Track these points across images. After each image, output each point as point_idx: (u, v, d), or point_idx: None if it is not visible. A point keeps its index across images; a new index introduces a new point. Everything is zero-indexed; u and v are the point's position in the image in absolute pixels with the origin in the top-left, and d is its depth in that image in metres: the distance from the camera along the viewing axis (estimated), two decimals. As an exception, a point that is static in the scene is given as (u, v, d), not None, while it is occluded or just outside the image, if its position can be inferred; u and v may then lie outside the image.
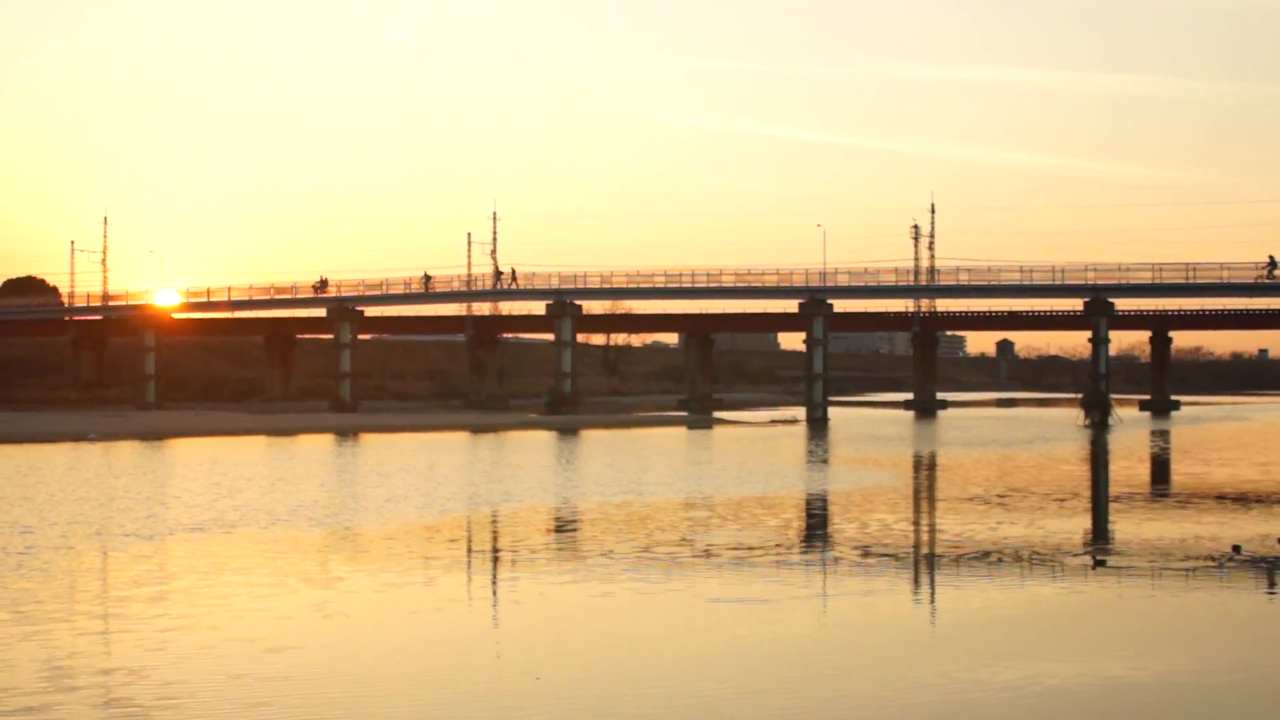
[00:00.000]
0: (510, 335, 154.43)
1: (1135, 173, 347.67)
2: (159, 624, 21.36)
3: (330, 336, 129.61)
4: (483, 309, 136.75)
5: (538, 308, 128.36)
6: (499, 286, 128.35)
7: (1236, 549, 30.28)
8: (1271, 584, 26.14)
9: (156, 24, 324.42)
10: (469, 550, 31.30)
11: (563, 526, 35.66)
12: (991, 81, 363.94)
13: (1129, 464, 61.99)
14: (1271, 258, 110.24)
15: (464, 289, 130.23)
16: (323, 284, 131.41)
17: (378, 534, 33.11)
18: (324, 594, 24.37)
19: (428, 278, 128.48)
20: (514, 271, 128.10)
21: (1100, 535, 34.49)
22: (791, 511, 39.68)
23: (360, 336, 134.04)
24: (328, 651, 19.60)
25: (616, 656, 19.70)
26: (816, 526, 35.95)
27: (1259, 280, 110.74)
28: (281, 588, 24.98)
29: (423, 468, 55.20)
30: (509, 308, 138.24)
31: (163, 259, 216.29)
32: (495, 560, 29.26)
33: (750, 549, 30.43)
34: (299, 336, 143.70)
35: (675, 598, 24.27)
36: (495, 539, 33.05)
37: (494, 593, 25.36)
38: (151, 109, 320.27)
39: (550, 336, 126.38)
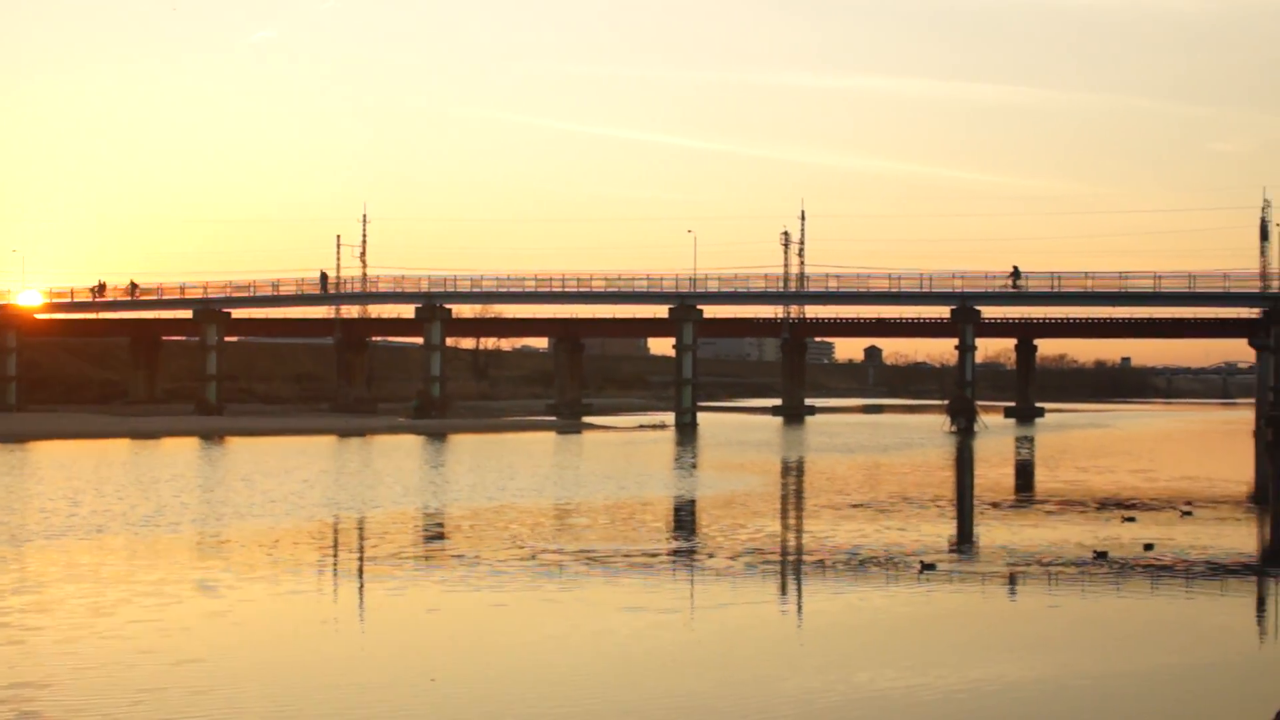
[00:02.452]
0: (379, 338, 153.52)
1: (1003, 182, 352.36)
2: (50, 635, 20.92)
3: (196, 338, 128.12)
4: (351, 312, 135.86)
5: (407, 311, 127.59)
6: (96, 299, 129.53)
7: (1101, 555, 30.78)
8: (1134, 589, 26.49)
9: (17, 22, 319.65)
10: (350, 558, 31.09)
11: (439, 533, 35.41)
12: (862, 89, 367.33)
13: (995, 470, 62.67)
14: (1015, 268, 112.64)
15: (332, 291, 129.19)
16: (100, 288, 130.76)
17: (251, 540, 32.69)
18: (217, 603, 24.07)
19: (325, 277, 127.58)
20: (103, 285, 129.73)
21: (968, 541, 34.85)
22: (663, 517, 39.73)
23: (227, 339, 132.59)
24: (237, 663, 19.35)
25: (504, 658, 19.68)
26: (689, 532, 35.95)
27: (1008, 288, 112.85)
28: (169, 596, 24.60)
29: (290, 472, 54.68)
30: (378, 311, 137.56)
31: (25, 259, 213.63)
32: (380, 568, 28.92)
33: (627, 555, 30.50)
34: (164, 338, 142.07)
35: (560, 604, 24.33)
36: (375, 546, 32.74)
37: (379, 600, 25.19)
38: (13, 108, 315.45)
39: (419, 340, 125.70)
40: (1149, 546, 32.28)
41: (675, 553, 31.31)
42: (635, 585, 26.47)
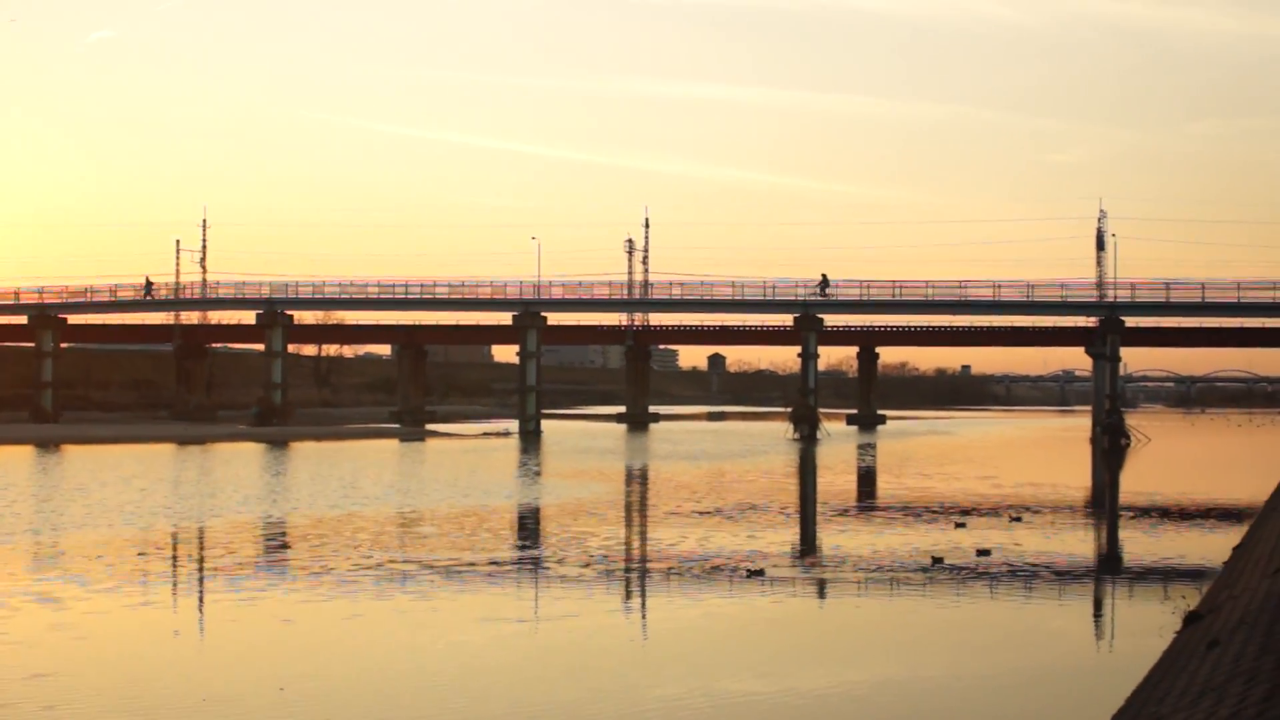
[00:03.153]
0: (219, 345, 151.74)
1: (844, 190, 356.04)
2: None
3: (31, 345, 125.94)
4: (191, 318, 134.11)
5: (248, 317, 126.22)
6: None
7: (937, 560, 31.30)
8: (968, 593, 26.88)
9: None
10: (195, 568, 30.66)
11: (284, 542, 35.02)
12: (705, 97, 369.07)
13: (840, 477, 63.22)
14: (824, 276, 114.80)
15: (172, 296, 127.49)
16: None
17: (91, 550, 32.09)
18: (61, 615, 23.67)
19: (149, 284, 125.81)
20: None
21: (809, 548, 35.17)
22: (511, 525, 39.71)
23: (63, 345, 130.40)
24: (87, 676, 19.09)
25: (356, 669, 19.54)
26: (539, 541, 35.87)
27: (816, 295, 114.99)
28: (9, 609, 24.15)
29: (128, 480, 53.80)
30: (218, 317, 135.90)
31: None
32: (226, 578, 28.53)
33: (474, 564, 30.43)
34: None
35: (412, 614, 24.19)
36: (220, 556, 32.25)
37: (226, 611, 24.90)
38: None
39: (261, 346, 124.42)
40: (984, 552, 32.84)
41: (526, 561, 31.27)
42: (487, 595, 26.46)
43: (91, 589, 26.44)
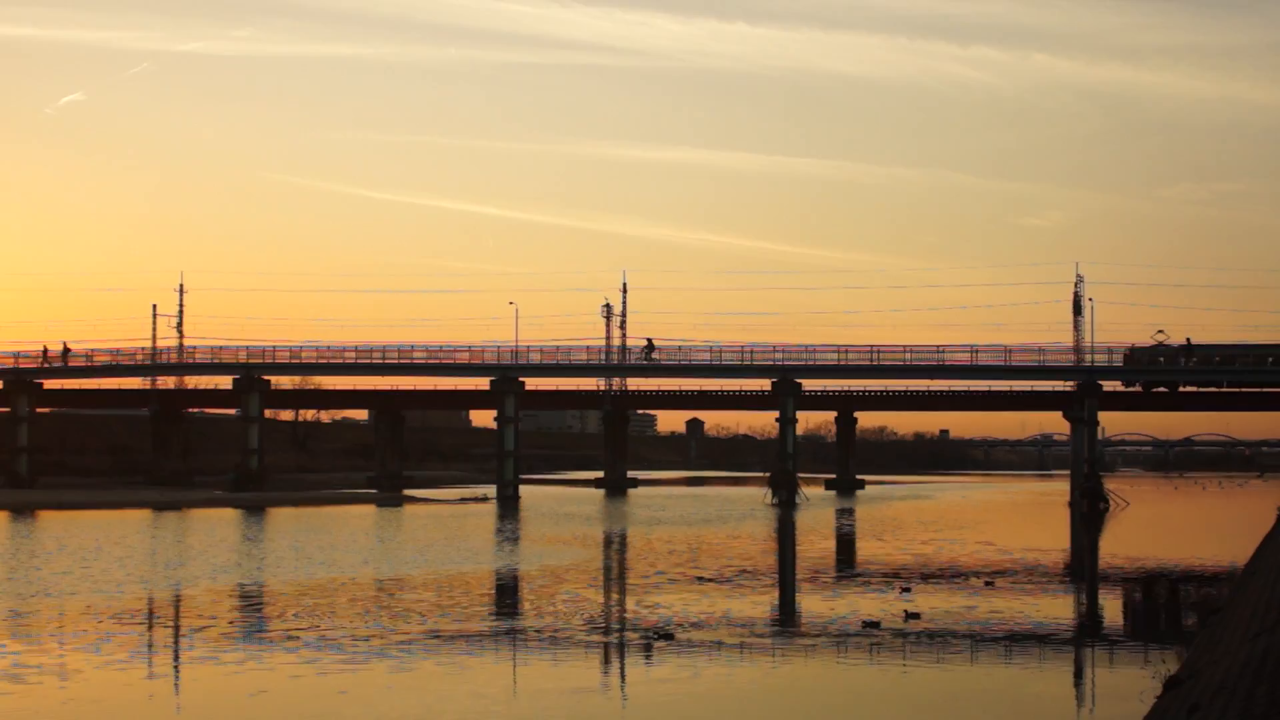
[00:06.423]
0: (196, 410, 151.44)
1: (822, 255, 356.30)
2: None
3: (7, 410, 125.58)
4: (168, 383, 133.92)
5: (225, 382, 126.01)
6: None
7: (873, 624, 31.80)
8: (950, 656, 26.84)
9: None
10: (176, 633, 30.73)
11: (264, 610, 34.89)
12: (683, 162, 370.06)
13: (819, 543, 63.17)
14: (649, 340, 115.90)
15: (148, 362, 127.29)
16: None
17: (80, 620, 32.01)
18: (62, 682, 23.83)
19: (64, 350, 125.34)
20: None
21: (788, 614, 35.25)
22: (489, 593, 39.61)
23: (39, 410, 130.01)
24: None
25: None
26: (516, 609, 35.85)
27: (640, 359, 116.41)
28: (19, 679, 24.16)
29: (102, 548, 53.49)
30: (195, 382, 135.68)
31: None
32: (203, 643, 28.56)
33: (455, 633, 30.41)
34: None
35: (409, 688, 24.17)
36: (206, 623, 32.13)
37: (229, 682, 24.85)
38: None
39: (237, 412, 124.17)
40: (913, 615, 33.26)
41: (509, 631, 31.19)
42: (473, 665, 26.44)
43: (92, 657, 26.50)
